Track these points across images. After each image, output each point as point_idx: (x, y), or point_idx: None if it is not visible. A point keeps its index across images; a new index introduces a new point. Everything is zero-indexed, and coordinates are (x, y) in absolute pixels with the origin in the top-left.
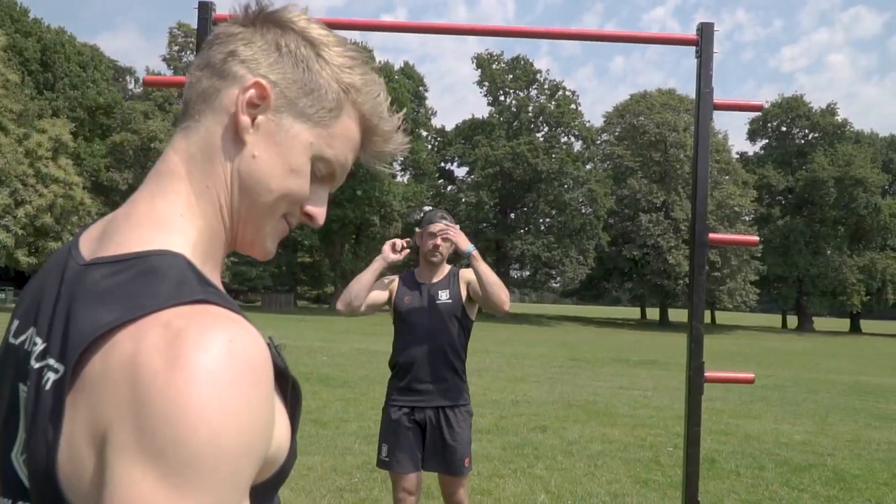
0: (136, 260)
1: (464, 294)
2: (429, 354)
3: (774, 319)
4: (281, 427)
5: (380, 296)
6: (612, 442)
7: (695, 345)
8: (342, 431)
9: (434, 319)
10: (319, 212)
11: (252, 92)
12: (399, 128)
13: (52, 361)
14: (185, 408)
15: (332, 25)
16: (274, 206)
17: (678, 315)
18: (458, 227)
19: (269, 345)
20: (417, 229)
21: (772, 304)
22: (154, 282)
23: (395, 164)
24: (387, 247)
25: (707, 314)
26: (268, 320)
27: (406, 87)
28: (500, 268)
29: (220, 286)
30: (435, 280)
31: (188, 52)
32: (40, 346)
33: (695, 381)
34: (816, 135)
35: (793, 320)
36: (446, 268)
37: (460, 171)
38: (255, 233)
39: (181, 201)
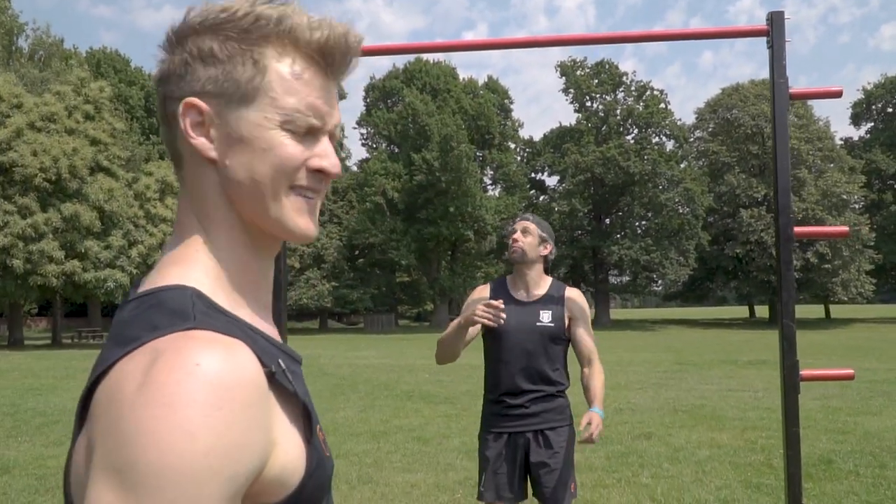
0: (148, 296)
1: (566, 321)
2: (525, 376)
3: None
4: (290, 449)
5: (474, 330)
6: (721, 447)
7: (787, 343)
8: (444, 448)
9: (532, 342)
10: (328, 162)
11: (189, 117)
12: (337, 29)
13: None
14: (140, 428)
15: (418, 50)
16: (270, 191)
17: None
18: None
19: (272, 371)
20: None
21: (892, 293)
22: (153, 314)
23: (485, 178)
24: (481, 309)
25: (821, 309)
26: (370, 341)
27: (491, 102)
28: (598, 274)
29: (262, 306)
30: (536, 295)
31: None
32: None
33: (789, 381)
34: None
35: None
36: (546, 280)
37: (551, 181)
38: (276, 222)
39: (198, 239)
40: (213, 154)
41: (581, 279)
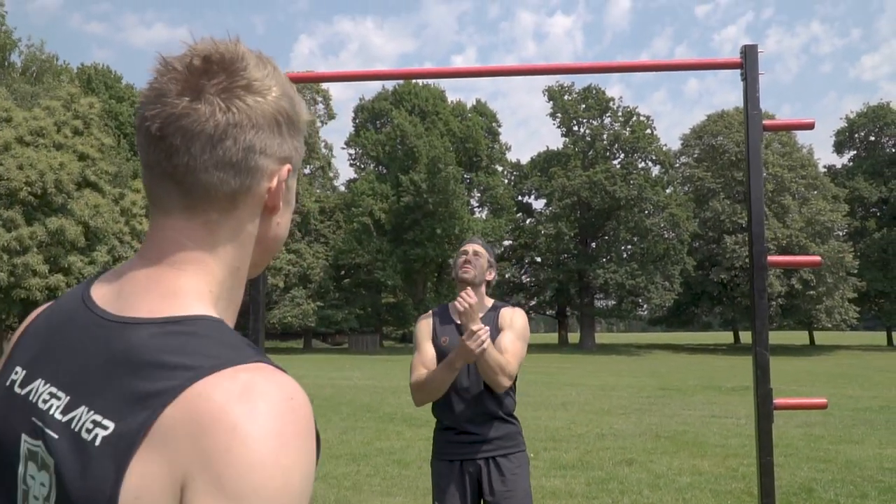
0: (186, 322)
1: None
2: (475, 400)
3: (879, 337)
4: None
5: (432, 348)
6: (702, 474)
7: (760, 371)
8: (424, 472)
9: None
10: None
11: (283, 181)
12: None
13: (97, 418)
14: (262, 457)
15: (407, 76)
16: (281, 244)
17: (774, 338)
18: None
19: None
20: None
21: (875, 321)
22: (212, 343)
23: (472, 200)
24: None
25: (805, 335)
26: (354, 361)
27: (479, 125)
28: (584, 298)
29: None
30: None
31: None
32: (63, 399)
33: (763, 409)
34: None
35: None
36: (488, 302)
37: (538, 204)
38: (260, 268)
39: (210, 282)
40: (277, 210)
41: (567, 302)
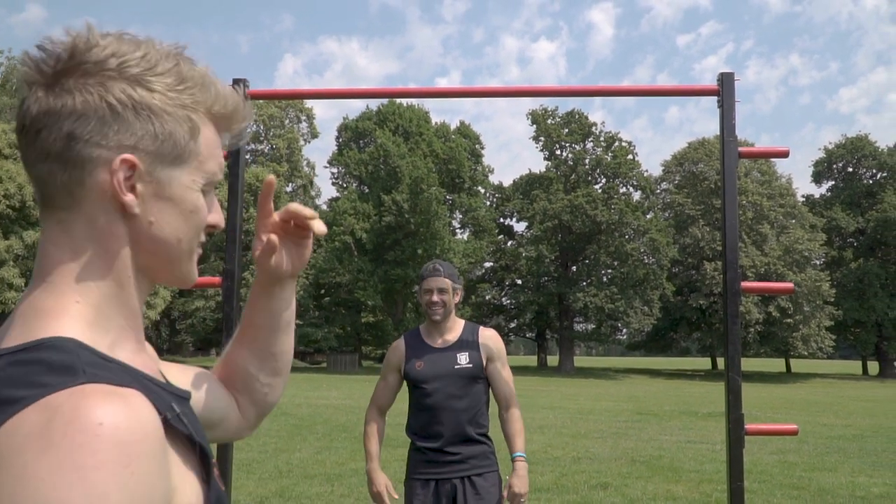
0: (21, 352)
1: (484, 360)
2: (450, 421)
3: (854, 366)
4: (189, 492)
5: (396, 380)
6: (677, 499)
7: (732, 396)
8: (398, 492)
9: (453, 385)
10: (219, 218)
11: (122, 171)
12: (241, 100)
13: None
14: (49, 497)
15: (391, 95)
16: (188, 248)
17: (751, 364)
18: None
19: (167, 416)
20: (416, 287)
21: (850, 350)
22: (35, 371)
23: (454, 221)
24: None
25: (782, 363)
26: (332, 381)
27: (463, 146)
28: (563, 321)
29: (139, 342)
30: (451, 341)
31: (251, 124)
32: None
33: (734, 434)
34: (885, 174)
35: (874, 366)
36: (459, 323)
37: (519, 226)
38: (179, 273)
39: (76, 290)
40: (136, 210)
41: (546, 325)
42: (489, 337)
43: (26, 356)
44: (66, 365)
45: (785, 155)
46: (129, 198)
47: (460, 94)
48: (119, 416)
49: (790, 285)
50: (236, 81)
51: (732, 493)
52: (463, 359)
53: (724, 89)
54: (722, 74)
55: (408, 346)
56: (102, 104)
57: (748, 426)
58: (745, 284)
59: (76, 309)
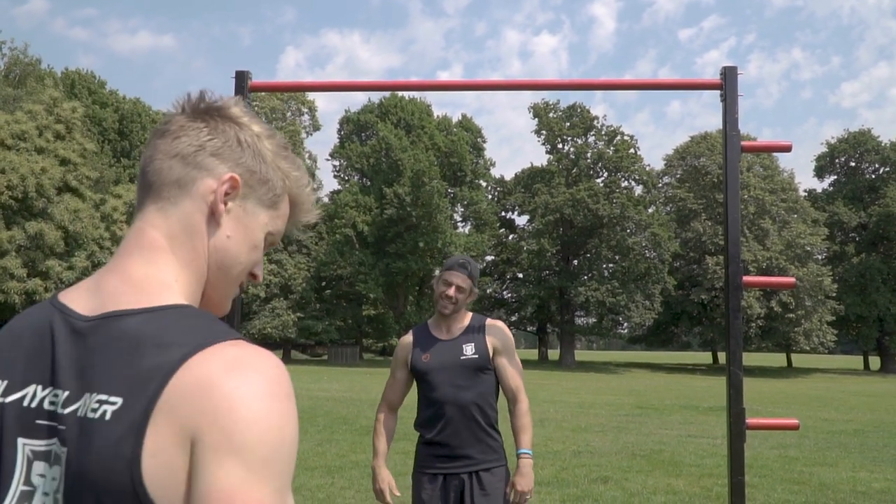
0: (167, 309)
1: (490, 351)
2: (457, 414)
3: (856, 361)
4: None
5: (404, 375)
6: (677, 493)
7: (734, 390)
8: (400, 485)
9: (459, 376)
10: (261, 272)
11: (228, 184)
12: (314, 201)
13: (102, 397)
14: (259, 415)
15: (392, 88)
16: (240, 276)
17: (753, 359)
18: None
19: None
20: (436, 274)
21: (852, 345)
22: (196, 324)
23: (455, 215)
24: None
25: (783, 357)
26: (333, 373)
27: (464, 140)
28: (565, 315)
29: None
30: (457, 333)
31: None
32: (63, 395)
33: (735, 429)
34: (887, 169)
35: (875, 361)
36: (467, 316)
37: (521, 220)
38: (221, 297)
39: (172, 270)
40: (223, 221)
41: (547, 319)
42: (497, 328)
43: (166, 314)
44: (218, 323)
45: (787, 149)
46: (221, 207)
47: (461, 88)
48: (280, 364)
49: (792, 280)
50: (239, 74)
51: (733, 486)
52: (469, 349)
53: (727, 83)
54: (725, 68)
55: (415, 339)
56: (233, 134)
57: (749, 420)
58: (746, 279)
59: (176, 288)
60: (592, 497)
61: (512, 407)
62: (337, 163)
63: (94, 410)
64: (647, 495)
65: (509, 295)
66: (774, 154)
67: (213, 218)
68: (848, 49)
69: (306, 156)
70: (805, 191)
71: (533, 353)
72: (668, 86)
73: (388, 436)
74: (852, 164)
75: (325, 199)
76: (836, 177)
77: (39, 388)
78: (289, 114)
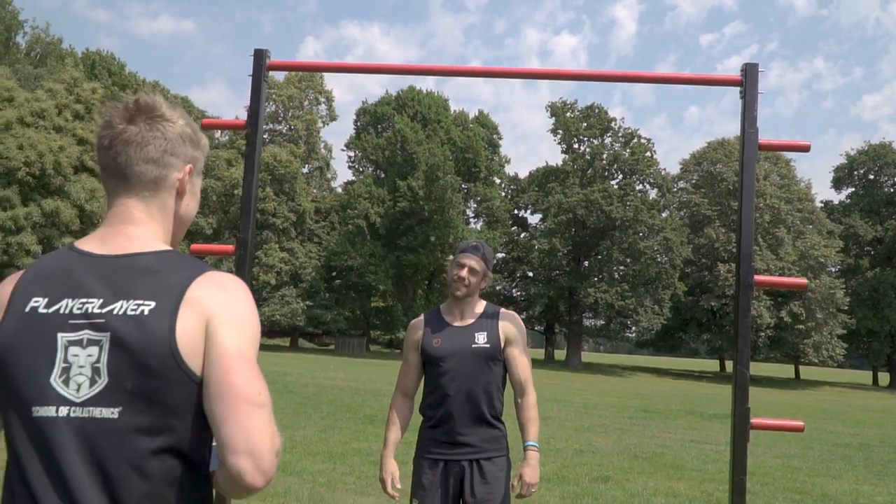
0: (169, 252)
1: (502, 342)
2: (463, 402)
3: (865, 376)
4: None
5: (417, 359)
6: (677, 496)
7: (739, 391)
8: (401, 474)
9: (469, 364)
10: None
11: (185, 174)
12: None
13: (138, 302)
14: (246, 307)
15: (408, 71)
16: (188, 224)
17: (761, 369)
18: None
19: None
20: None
21: (862, 360)
22: (187, 261)
23: (468, 210)
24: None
25: (791, 368)
26: (340, 363)
27: (480, 135)
28: (573, 315)
29: None
30: (469, 321)
31: (270, 103)
32: (105, 302)
33: (739, 428)
34: None
35: (885, 377)
36: (481, 304)
37: (533, 218)
38: (180, 235)
39: (154, 233)
40: (184, 197)
41: (555, 319)
42: (510, 319)
43: (167, 254)
44: (198, 260)
45: (806, 149)
46: (184, 188)
47: (476, 74)
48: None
49: (803, 281)
50: (258, 52)
51: (734, 485)
52: (481, 338)
53: (748, 80)
54: (746, 65)
55: (426, 323)
56: (175, 133)
57: (754, 420)
58: (758, 278)
59: (161, 240)
60: (592, 496)
61: (520, 399)
62: (352, 153)
63: (134, 309)
64: (647, 496)
65: (518, 293)
66: (792, 163)
67: (178, 196)
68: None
69: (322, 145)
70: (822, 202)
71: (539, 353)
72: (689, 80)
73: (402, 425)
74: (871, 176)
75: (339, 190)
76: (853, 189)
77: (69, 300)
78: (306, 103)
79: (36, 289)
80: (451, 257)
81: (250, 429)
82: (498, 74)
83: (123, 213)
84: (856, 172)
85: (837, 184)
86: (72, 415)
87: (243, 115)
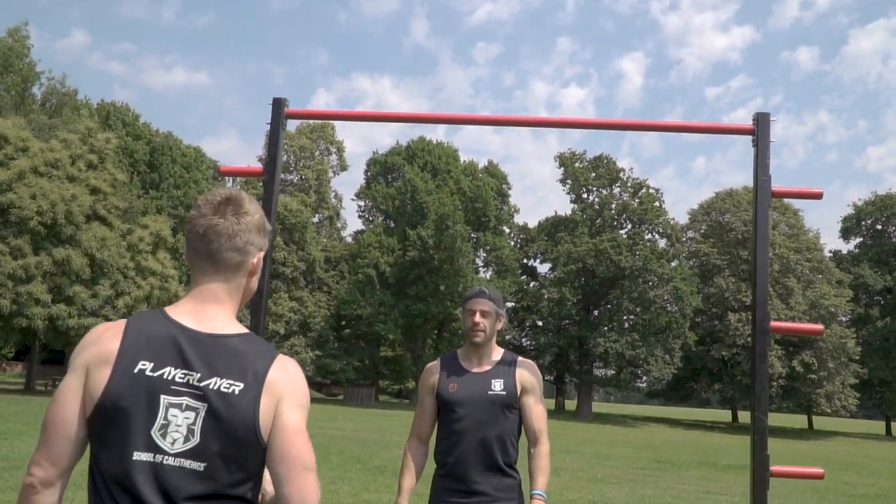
0: (250, 337)
1: (518, 390)
2: (478, 449)
3: (878, 426)
4: None
5: (432, 403)
6: None
7: (758, 437)
8: None
9: (484, 411)
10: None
11: (259, 259)
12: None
13: (230, 381)
14: (304, 385)
15: (431, 120)
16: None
17: (773, 419)
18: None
19: None
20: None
21: (875, 409)
22: (263, 344)
23: (478, 259)
24: None
25: (804, 419)
26: (349, 413)
27: (490, 185)
28: (583, 365)
29: None
30: (486, 367)
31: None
32: (203, 377)
33: (759, 475)
34: None
35: None
36: (499, 351)
37: (543, 268)
38: (244, 304)
39: (230, 309)
40: (255, 276)
41: (565, 369)
42: (527, 367)
43: (249, 337)
44: (269, 343)
45: (819, 196)
46: (256, 272)
47: (488, 123)
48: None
49: (819, 327)
50: (276, 101)
51: None
52: (497, 385)
53: (760, 128)
54: (758, 114)
55: (443, 366)
56: (254, 225)
57: (773, 468)
58: (774, 323)
59: (235, 319)
60: None
61: (532, 448)
62: (362, 203)
63: (227, 388)
64: None
65: (528, 342)
66: (800, 213)
67: (250, 277)
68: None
69: (332, 195)
70: (830, 251)
71: (550, 403)
72: (702, 129)
73: (418, 471)
74: (878, 226)
75: (349, 239)
76: (861, 239)
77: (172, 368)
78: (317, 153)
79: (142, 352)
80: (459, 309)
81: (303, 488)
82: (510, 123)
83: (210, 291)
84: (864, 223)
85: (846, 233)
86: (164, 462)
87: (255, 165)
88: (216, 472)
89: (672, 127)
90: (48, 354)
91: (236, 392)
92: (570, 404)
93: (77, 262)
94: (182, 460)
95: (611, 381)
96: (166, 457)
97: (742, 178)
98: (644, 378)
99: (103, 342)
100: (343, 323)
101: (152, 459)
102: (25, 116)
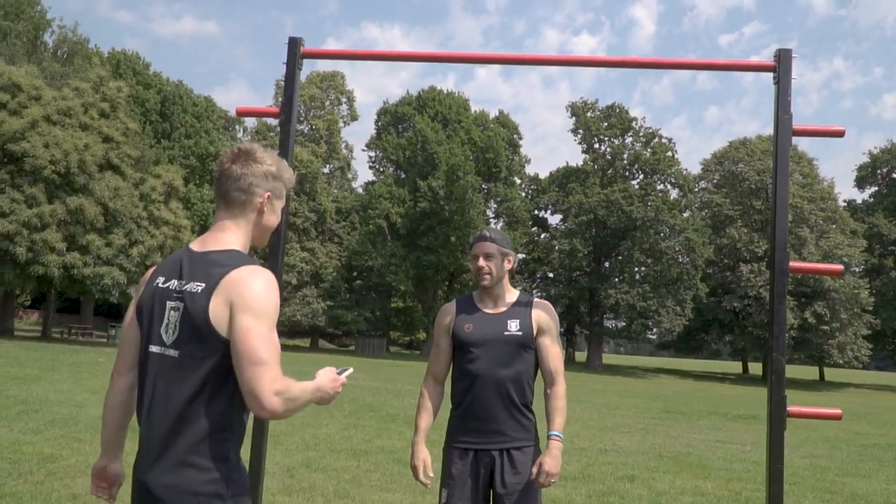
0: (233, 251)
1: (535, 330)
2: (493, 390)
3: (891, 377)
4: None
5: (448, 344)
6: (705, 495)
7: (775, 378)
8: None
9: (500, 351)
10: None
11: (265, 199)
12: (293, 177)
13: (197, 283)
14: (262, 292)
15: (438, 59)
16: (269, 231)
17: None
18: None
19: None
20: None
21: (887, 360)
22: (244, 258)
23: (488, 211)
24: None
25: (815, 370)
26: (360, 364)
27: (501, 136)
28: (594, 317)
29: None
30: (502, 308)
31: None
32: (185, 282)
33: (776, 416)
34: None
35: None
36: (514, 292)
37: (554, 219)
38: (263, 239)
39: (236, 237)
40: (263, 214)
41: (576, 320)
42: (544, 308)
43: (229, 252)
44: (249, 257)
45: (841, 134)
46: (264, 209)
47: (507, 61)
48: (272, 275)
49: (839, 267)
50: (292, 40)
51: (771, 475)
52: (513, 325)
53: (781, 65)
54: (779, 50)
55: (459, 308)
56: (262, 171)
57: (790, 408)
58: (793, 264)
59: (239, 243)
60: (619, 494)
61: (548, 389)
62: (373, 153)
63: (194, 288)
64: (674, 495)
65: (539, 294)
66: (814, 162)
67: (259, 214)
68: (891, 60)
69: (342, 145)
70: (845, 201)
71: None
72: (722, 66)
73: (434, 410)
74: (894, 175)
75: (360, 190)
76: (877, 188)
77: (175, 280)
78: (327, 103)
79: (161, 272)
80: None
81: (251, 378)
82: (524, 62)
83: (219, 224)
84: (879, 171)
85: (860, 182)
86: (165, 353)
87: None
88: (185, 358)
89: (692, 65)
90: (63, 303)
91: (199, 291)
92: (581, 356)
93: (90, 210)
94: (171, 350)
95: (621, 332)
96: (164, 348)
97: (755, 126)
98: (655, 330)
99: (147, 274)
100: (354, 274)
101: (159, 351)
102: (38, 65)
